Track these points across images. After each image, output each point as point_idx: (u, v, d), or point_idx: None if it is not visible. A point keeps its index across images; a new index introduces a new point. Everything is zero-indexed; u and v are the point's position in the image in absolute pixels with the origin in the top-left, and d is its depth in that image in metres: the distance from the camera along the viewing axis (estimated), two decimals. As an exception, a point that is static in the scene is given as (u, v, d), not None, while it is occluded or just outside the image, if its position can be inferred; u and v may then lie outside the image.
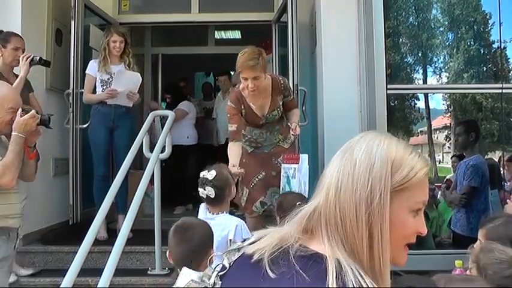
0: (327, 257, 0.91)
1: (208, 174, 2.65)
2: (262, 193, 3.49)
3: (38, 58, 3.63)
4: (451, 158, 5.75)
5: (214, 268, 1.06)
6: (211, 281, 1.06)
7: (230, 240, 2.53)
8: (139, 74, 4.32)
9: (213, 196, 2.60)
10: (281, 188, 3.39)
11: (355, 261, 0.92)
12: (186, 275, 1.19)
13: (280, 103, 3.47)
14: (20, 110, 2.57)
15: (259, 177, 3.50)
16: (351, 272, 0.88)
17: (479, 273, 1.83)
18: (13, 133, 2.53)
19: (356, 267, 0.90)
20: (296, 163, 3.37)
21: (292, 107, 3.60)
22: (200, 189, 2.64)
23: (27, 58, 3.54)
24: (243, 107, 3.42)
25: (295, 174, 3.34)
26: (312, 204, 1.01)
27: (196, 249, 2.06)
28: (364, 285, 0.87)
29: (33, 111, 2.59)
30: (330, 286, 0.85)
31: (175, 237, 2.11)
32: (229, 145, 3.45)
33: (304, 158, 3.36)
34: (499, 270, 1.80)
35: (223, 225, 2.53)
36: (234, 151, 3.37)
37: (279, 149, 3.55)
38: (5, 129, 2.57)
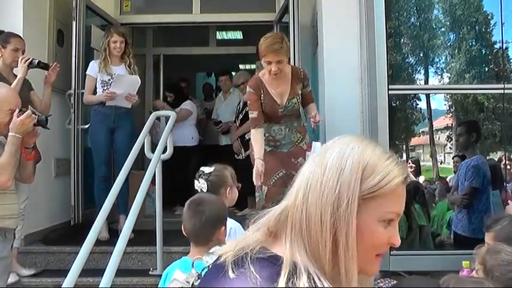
0: (284, 259, 0.89)
1: (207, 168, 2.63)
2: (282, 191, 3.42)
3: (37, 61, 3.62)
4: (453, 158, 5.74)
5: (202, 270, 1.06)
6: (191, 281, 1.08)
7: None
8: (138, 77, 4.32)
9: (205, 190, 2.55)
10: None
11: (316, 266, 0.89)
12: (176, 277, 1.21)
13: (299, 92, 3.50)
14: (17, 110, 2.57)
15: (279, 175, 3.48)
16: (305, 276, 0.86)
17: (485, 274, 1.83)
18: (10, 133, 2.53)
19: (315, 272, 0.88)
20: (309, 150, 3.38)
21: (310, 101, 3.63)
22: (195, 182, 2.62)
23: (26, 61, 3.53)
24: (262, 93, 3.43)
25: None
26: (280, 205, 0.98)
27: (205, 224, 2.06)
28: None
29: (29, 111, 2.59)
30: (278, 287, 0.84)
31: (188, 210, 2.12)
32: (252, 133, 3.46)
33: (315, 145, 3.31)
34: (505, 271, 1.80)
35: None
36: (257, 139, 3.39)
37: (298, 150, 3.54)
38: (3, 131, 2.57)
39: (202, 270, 1.06)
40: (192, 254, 2.12)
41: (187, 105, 5.65)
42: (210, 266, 1.02)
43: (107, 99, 4.14)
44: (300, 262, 0.89)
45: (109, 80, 4.19)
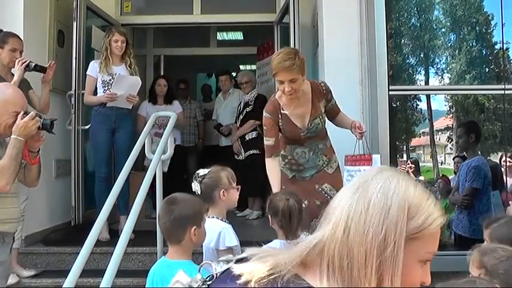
0: None
1: (202, 170, 2.62)
2: (305, 226, 3.02)
3: (34, 64, 3.57)
4: (453, 159, 5.74)
5: (207, 277, 1.03)
6: (195, 286, 1.03)
7: (214, 249, 2.48)
8: (139, 78, 4.31)
9: (199, 192, 2.55)
10: None
11: None
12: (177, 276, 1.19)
13: (323, 110, 3.16)
14: (22, 112, 2.52)
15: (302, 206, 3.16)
16: None
17: (489, 276, 1.81)
18: (12, 136, 2.48)
19: None
20: (367, 164, 3.00)
21: (337, 112, 3.28)
22: (192, 184, 2.62)
23: (23, 63, 3.48)
24: (280, 117, 3.11)
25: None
26: (315, 237, 0.94)
27: (174, 223, 2.08)
28: None
29: (32, 113, 2.54)
30: None
31: (161, 209, 2.18)
32: (266, 163, 3.12)
33: (376, 159, 2.98)
34: (509, 266, 1.79)
35: (209, 232, 2.35)
36: (273, 170, 3.06)
37: (323, 175, 3.19)
38: (8, 132, 2.52)
39: (208, 277, 1.03)
40: (169, 254, 2.12)
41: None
42: (219, 275, 0.99)
43: (108, 100, 4.13)
44: None
45: (110, 80, 4.18)
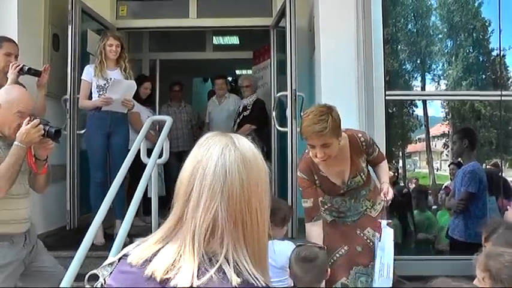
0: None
1: None
2: (345, 273, 2.79)
3: (27, 68, 3.52)
4: (449, 165, 5.75)
5: (100, 284, 1.11)
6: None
7: None
8: (134, 82, 4.30)
9: None
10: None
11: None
12: None
13: (364, 165, 2.79)
14: (28, 118, 2.50)
15: (340, 252, 2.83)
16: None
17: (493, 280, 1.82)
18: (14, 142, 2.47)
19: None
20: (377, 232, 2.72)
21: (380, 161, 2.91)
22: None
23: (16, 67, 3.44)
24: (316, 178, 2.77)
25: (375, 248, 2.65)
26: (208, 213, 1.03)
27: None
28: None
29: (36, 120, 2.51)
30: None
31: None
32: (307, 230, 2.77)
33: (386, 230, 2.61)
34: None
35: None
36: (314, 236, 2.70)
37: (365, 219, 2.86)
38: (12, 135, 2.51)
39: (101, 285, 1.12)
40: None
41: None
42: (108, 276, 1.09)
43: (103, 105, 4.11)
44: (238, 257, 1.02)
45: (105, 84, 4.16)
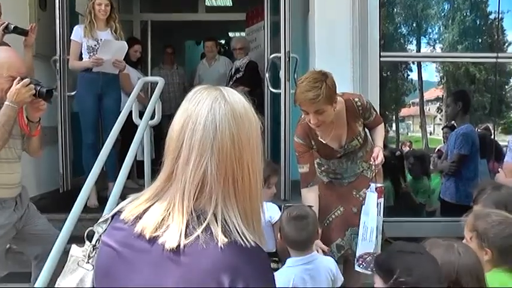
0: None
1: None
2: (340, 234, 2.79)
3: (13, 26, 3.42)
4: (442, 128, 5.78)
5: (96, 241, 1.17)
6: (87, 253, 1.19)
7: None
8: (125, 42, 4.23)
9: None
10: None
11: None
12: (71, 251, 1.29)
13: (360, 129, 2.76)
14: (18, 78, 2.44)
15: (336, 213, 2.82)
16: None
17: (479, 240, 1.86)
18: (5, 102, 2.42)
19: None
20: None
21: (376, 124, 2.85)
22: None
23: (0, 25, 3.34)
24: (313, 143, 2.73)
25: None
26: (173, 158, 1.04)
27: None
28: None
29: (27, 80, 2.45)
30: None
31: None
32: (302, 195, 2.75)
33: (371, 195, 2.53)
34: (498, 231, 1.84)
35: None
36: (310, 201, 2.66)
37: (362, 180, 2.82)
38: (4, 98, 2.46)
39: (96, 241, 1.16)
40: None
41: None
42: (104, 231, 1.13)
43: (94, 65, 4.05)
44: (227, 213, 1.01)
45: (95, 45, 4.08)
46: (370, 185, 2.58)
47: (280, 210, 2.68)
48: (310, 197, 2.68)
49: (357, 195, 2.82)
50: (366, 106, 2.72)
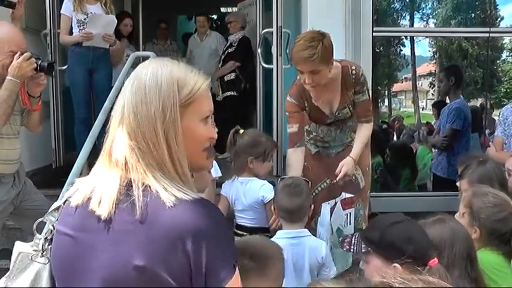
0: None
1: None
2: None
3: None
4: (432, 105, 5.81)
5: (45, 233, 1.17)
6: (40, 245, 1.17)
7: None
8: (114, 16, 4.17)
9: None
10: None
11: (161, 172, 1.07)
12: (16, 249, 1.25)
13: (352, 99, 2.72)
14: (19, 53, 2.41)
15: (322, 185, 2.81)
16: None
17: (471, 217, 1.86)
18: (7, 77, 2.40)
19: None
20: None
21: (362, 115, 2.75)
22: None
23: None
24: (306, 104, 2.71)
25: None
26: (109, 137, 1.12)
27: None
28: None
29: (28, 53, 2.43)
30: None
31: None
32: (288, 155, 2.71)
33: (324, 210, 2.47)
34: (491, 213, 1.83)
35: None
36: (294, 163, 2.63)
37: (349, 151, 2.76)
38: (6, 73, 2.43)
39: (47, 232, 1.17)
40: None
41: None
42: (56, 222, 1.14)
43: (84, 40, 4.00)
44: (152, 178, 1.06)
45: (85, 19, 4.03)
46: (341, 194, 2.57)
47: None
48: (295, 159, 2.65)
49: None
50: (359, 78, 2.67)
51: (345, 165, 2.60)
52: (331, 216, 2.46)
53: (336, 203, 2.49)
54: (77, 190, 1.11)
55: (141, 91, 1.09)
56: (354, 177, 2.79)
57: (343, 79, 2.66)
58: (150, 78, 1.10)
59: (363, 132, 2.74)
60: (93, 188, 1.08)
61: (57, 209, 1.16)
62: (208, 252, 0.99)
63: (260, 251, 1.56)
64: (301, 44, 2.45)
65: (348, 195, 2.59)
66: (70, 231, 1.07)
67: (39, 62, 2.49)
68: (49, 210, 1.17)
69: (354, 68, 2.68)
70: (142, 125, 1.07)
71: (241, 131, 2.60)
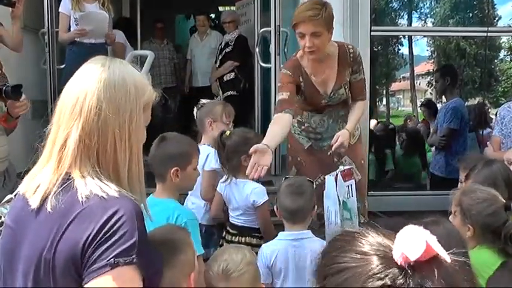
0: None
1: (206, 100, 2.83)
2: (320, 203, 2.60)
3: None
4: (420, 106, 5.82)
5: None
6: None
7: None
8: (105, 13, 4.13)
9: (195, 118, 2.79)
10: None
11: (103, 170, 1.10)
12: None
13: (348, 79, 2.73)
14: None
15: (317, 182, 2.68)
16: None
17: (463, 215, 1.87)
18: None
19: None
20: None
21: (358, 94, 2.79)
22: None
23: None
24: (301, 79, 2.69)
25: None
26: (61, 136, 1.11)
27: (157, 160, 2.09)
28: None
29: None
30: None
31: (153, 144, 2.17)
32: (273, 117, 2.63)
33: (329, 179, 2.44)
34: (481, 209, 1.84)
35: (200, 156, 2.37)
36: (276, 125, 2.52)
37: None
38: None
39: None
40: (155, 192, 2.12)
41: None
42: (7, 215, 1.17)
43: (78, 36, 3.99)
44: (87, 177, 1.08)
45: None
46: (338, 167, 2.54)
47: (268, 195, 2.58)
48: (276, 128, 2.51)
49: (338, 163, 2.73)
50: (356, 57, 2.71)
51: (341, 136, 2.59)
52: (336, 187, 2.43)
53: (337, 174, 2.45)
54: (24, 181, 1.15)
55: (110, 90, 1.11)
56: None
57: (340, 58, 2.69)
58: (119, 78, 1.13)
59: (358, 109, 2.78)
60: (34, 180, 1.11)
61: (9, 201, 1.21)
62: (95, 248, 1.01)
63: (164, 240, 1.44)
64: (305, 5, 2.53)
65: (347, 167, 2.56)
66: (11, 223, 1.11)
67: (4, 89, 2.36)
68: (2, 202, 1.24)
69: (351, 47, 2.74)
70: (106, 124, 1.10)
71: (228, 132, 2.57)
